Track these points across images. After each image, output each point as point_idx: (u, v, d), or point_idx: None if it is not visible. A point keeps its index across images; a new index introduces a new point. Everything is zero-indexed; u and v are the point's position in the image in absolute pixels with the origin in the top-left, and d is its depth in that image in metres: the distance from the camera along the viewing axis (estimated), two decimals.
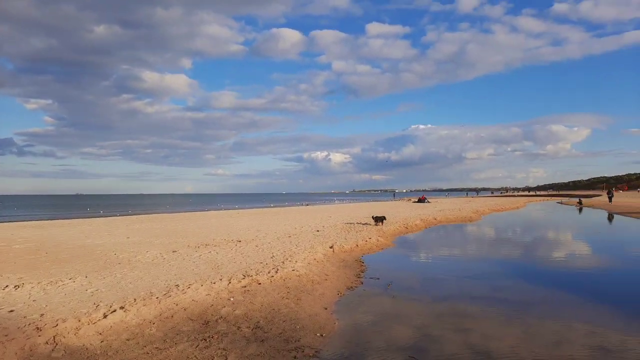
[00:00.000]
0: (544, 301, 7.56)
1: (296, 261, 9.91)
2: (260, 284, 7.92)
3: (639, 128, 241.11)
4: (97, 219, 27.85)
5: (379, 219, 19.58)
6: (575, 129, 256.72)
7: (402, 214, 27.83)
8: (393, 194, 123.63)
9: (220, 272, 8.64)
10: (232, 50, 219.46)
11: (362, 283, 8.90)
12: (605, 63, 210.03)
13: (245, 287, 7.68)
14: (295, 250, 11.64)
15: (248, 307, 6.64)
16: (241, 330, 5.68)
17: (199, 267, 9.34)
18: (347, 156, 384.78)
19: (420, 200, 50.82)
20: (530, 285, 8.97)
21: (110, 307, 6.12)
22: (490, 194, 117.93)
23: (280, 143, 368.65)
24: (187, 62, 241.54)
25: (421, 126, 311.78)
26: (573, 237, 18.51)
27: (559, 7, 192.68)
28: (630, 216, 27.07)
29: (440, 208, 35.49)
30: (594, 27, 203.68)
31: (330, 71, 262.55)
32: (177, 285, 7.47)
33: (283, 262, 9.82)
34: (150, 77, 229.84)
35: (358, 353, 5.22)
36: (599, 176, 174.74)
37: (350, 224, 19.88)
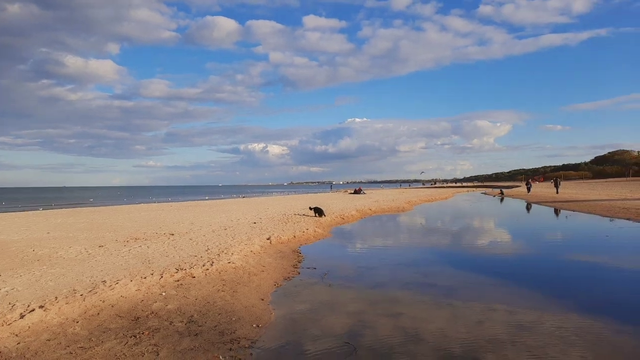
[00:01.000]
0: (468, 285, 8.03)
1: (232, 253, 9.77)
2: (194, 277, 7.72)
3: (553, 124, 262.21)
4: (13, 213, 25.60)
5: (317, 211, 19.69)
6: (498, 124, 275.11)
7: (339, 205, 28.32)
8: (330, 186, 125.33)
9: (151, 267, 8.31)
10: (164, 37, 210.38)
11: (299, 273, 8.96)
12: (525, 63, 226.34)
13: (178, 281, 7.45)
14: (231, 242, 11.46)
15: (181, 301, 6.45)
16: (174, 325, 5.50)
17: (128, 262, 8.91)
18: (285, 148, 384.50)
19: (357, 192, 51.99)
20: (456, 270, 9.49)
21: (28, 306, 5.68)
22: (422, 186, 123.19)
23: (216, 134, 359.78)
24: (114, 48, 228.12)
25: (357, 119, 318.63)
26: (495, 225, 19.85)
27: (484, 9, 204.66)
28: (545, 205, 29.49)
29: (375, 199, 36.53)
30: (515, 29, 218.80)
31: (267, 62, 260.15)
32: (104, 282, 7.09)
33: (219, 254, 9.63)
34: (72, 61, 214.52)
35: (294, 341, 5.26)
36: (518, 168, 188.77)
37: (288, 215, 19.90)
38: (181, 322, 5.64)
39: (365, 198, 39.44)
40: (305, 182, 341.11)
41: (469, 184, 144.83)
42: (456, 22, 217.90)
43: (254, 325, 5.71)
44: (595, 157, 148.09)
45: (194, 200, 45.61)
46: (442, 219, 23.15)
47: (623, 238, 13.69)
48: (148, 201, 44.92)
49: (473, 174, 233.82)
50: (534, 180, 63.54)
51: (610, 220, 18.17)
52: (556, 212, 24.47)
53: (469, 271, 9.35)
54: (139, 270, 7.97)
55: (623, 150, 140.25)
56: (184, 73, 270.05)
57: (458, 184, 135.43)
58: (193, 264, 8.55)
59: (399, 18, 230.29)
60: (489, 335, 5.38)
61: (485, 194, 59.07)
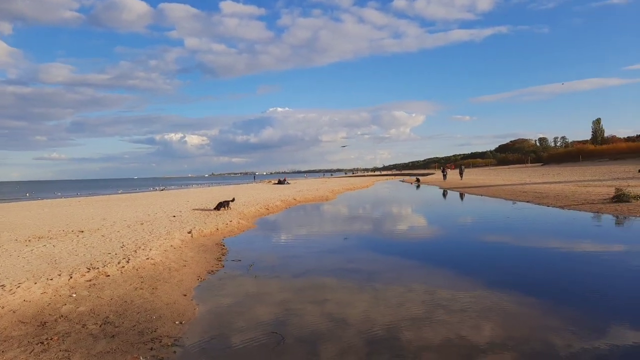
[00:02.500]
0: (390, 268, 8.36)
1: (151, 249, 9.28)
2: (109, 276, 7.23)
3: (462, 115, 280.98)
4: None
5: (222, 205, 18.17)
6: (414, 115, 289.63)
7: (263, 195, 28.09)
8: (254, 177, 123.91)
9: (59, 267, 7.63)
10: (66, 17, 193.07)
11: (223, 266, 8.75)
12: (436, 57, 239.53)
13: (90, 280, 6.93)
14: (149, 237, 10.88)
15: (95, 302, 6.01)
16: (87, 328, 5.11)
17: (31, 263, 8.10)
18: (205, 138, 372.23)
19: (281, 182, 51.91)
20: (379, 255, 9.85)
21: None
22: (344, 175, 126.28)
23: (128, 123, 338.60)
24: (6, 27, 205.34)
25: (279, 109, 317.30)
26: (413, 210, 20.91)
27: (398, 3, 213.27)
28: (457, 190, 31.62)
29: (299, 189, 36.77)
30: (427, 24, 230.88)
31: (183, 48, 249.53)
32: (3, 286, 6.39)
33: (135, 250, 9.11)
34: None
35: (220, 335, 5.12)
36: (432, 157, 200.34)
37: (210, 208, 19.33)
38: (95, 324, 5.25)
39: (289, 188, 39.53)
40: (227, 174, 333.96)
41: (388, 172, 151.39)
42: (373, 14, 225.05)
43: (177, 322, 5.48)
44: (499, 146, 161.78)
45: (106, 194, 42.61)
46: (365, 206, 23.89)
47: (523, 219, 15.09)
48: (54, 196, 41.13)
49: (392, 163, 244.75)
50: (447, 167, 68.18)
51: (513, 203, 19.92)
52: (466, 197, 26.32)
53: (390, 255, 9.74)
54: (45, 272, 7.28)
55: (523, 139, 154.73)
56: (90, 57, 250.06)
57: (376, 173, 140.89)
58: (107, 262, 7.99)
59: (318, 8, 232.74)
60: (409, 315, 5.65)
61: (403, 181, 61.95)
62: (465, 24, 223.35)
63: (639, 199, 15.58)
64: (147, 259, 8.44)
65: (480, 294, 6.47)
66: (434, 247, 10.87)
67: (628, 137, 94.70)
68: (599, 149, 76.43)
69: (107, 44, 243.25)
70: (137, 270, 7.74)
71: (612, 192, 17.07)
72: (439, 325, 5.23)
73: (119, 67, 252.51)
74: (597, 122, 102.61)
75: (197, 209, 18.51)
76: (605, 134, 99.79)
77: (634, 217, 13.01)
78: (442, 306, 5.94)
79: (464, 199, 25.49)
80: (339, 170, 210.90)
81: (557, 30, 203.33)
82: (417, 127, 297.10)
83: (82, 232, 12.15)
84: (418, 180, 53.39)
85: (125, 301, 6.13)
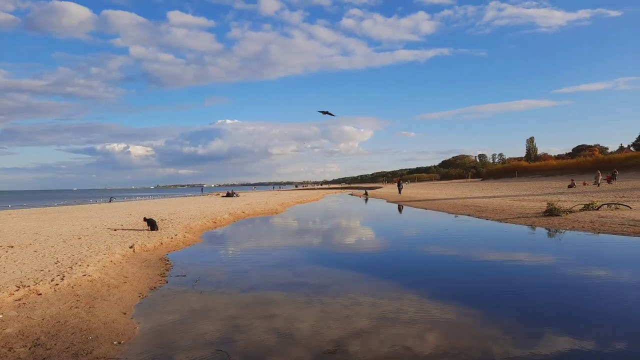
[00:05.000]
0: (337, 281, 8.42)
1: (88, 265, 8.79)
2: (40, 294, 6.76)
3: (407, 131, 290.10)
4: None
5: (150, 223, 15.34)
6: (362, 130, 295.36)
7: (211, 208, 27.47)
8: (201, 189, 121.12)
9: None
10: None
11: (167, 282, 8.44)
12: (383, 75, 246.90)
13: (20, 300, 6.45)
14: (86, 253, 10.31)
15: (24, 323, 5.58)
16: (14, 352, 4.73)
17: None
18: (150, 149, 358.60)
19: (230, 195, 51.02)
20: (327, 268, 9.90)
21: None
22: (294, 188, 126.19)
23: (66, 132, 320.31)
24: None
25: (228, 121, 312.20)
26: (361, 223, 21.24)
27: (346, 22, 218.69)
28: (404, 204, 32.49)
29: (249, 202, 36.31)
30: (374, 43, 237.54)
31: (127, 56, 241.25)
32: None
33: (71, 267, 8.59)
34: None
35: (162, 355, 4.92)
36: (380, 171, 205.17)
37: (152, 219, 18.60)
38: (24, 346, 4.88)
39: (238, 201, 38.93)
40: (173, 185, 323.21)
41: (337, 185, 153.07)
42: (322, 31, 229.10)
43: (115, 343, 5.20)
44: (442, 161, 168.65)
45: (40, 207, 39.92)
46: (314, 219, 23.97)
47: (464, 232, 15.75)
48: None
49: (341, 176, 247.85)
50: (394, 181, 69.64)
51: (455, 217, 20.76)
52: (412, 210, 27.11)
53: (338, 268, 9.82)
54: None
55: (464, 155, 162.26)
56: (25, 62, 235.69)
57: (324, 186, 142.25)
58: (39, 280, 7.47)
59: (268, 22, 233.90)
60: (357, 328, 5.70)
61: (352, 194, 62.89)
62: (409, 45, 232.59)
63: (568, 213, 16.74)
64: (84, 275, 7.98)
65: (424, 305, 6.65)
66: (381, 259, 11.07)
67: (558, 155, 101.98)
68: (532, 166, 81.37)
69: (44, 49, 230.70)
70: (72, 287, 7.29)
71: (544, 206, 18.22)
72: (385, 337, 5.32)
73: (57, 73, 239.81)
74: (531, 140, 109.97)
75: (139, 223, 17.77)
76: (538, 152, 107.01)
77: (563, 230, 13.94)
78: (388, 319, 6.05)
79: (410, 212, 26.23)
80: (289, 183, 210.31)
81: (494, 54, 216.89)
82: (365, 141, 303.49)
83: (12, 247, 11.30)
84: (366, 193, 54.42)
85: (59, 321, 5.75)
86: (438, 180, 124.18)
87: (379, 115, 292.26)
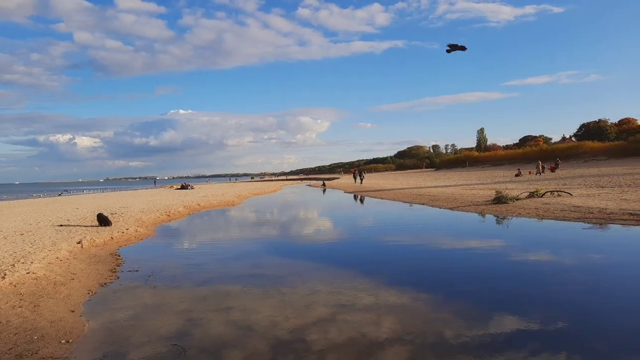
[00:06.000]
0: (296, 272, 8.44)
1: (32, 262, 8.33)
2: None
3: (364, 122, 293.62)
4: None
5: (103, 220, 14.56)
6: (319, 121, 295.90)
7: (164, 201, 26.72)
8: (154, 182, 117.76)
9: None
10: None
11: (118, 278, 8.15)
12: (340, 65, 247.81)
13: None
14: (30, 249, 9.77)
15: None
16: None
17: None
18: (98, 140, 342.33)
19: (184, 187, 49.82)
20: (285, 259, 9.90)
21: None
22: (251, 179, 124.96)
23: (5, 122, 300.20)
24: None
25: (181, 111, 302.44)
26: (319, 214, 21.37)
27: (302, 12, 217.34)
28: (361, 194, 32.95)
29: (204, 194, 35.61)
30: (330, 34, 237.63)
31: (71, 42, 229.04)
32: None
33: (13, 265, 8.11)
34: None
35: (114, 352, 4.75)
36: (337, 162, 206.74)
37: (104, 215, 17.89)
38: None
39: (193, 193, 38.09)
40: (124, 178, 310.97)
41: (295, 176, 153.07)
42: (278, 21, 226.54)
43: (63, 341, 4.97)
44: (398, 152, 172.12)
45: None
46: (272, 210, 23.86)
47: (419, 220, 16.21)
48: None
49: (299, 167, 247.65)
50: (351, 172, 70.44)
51: (410, 205, 21.30)
52: (369, 200, 27.56)
53: (296, 258, 9.85)
54: None
55: (418, 146, 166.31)
56: None
57: (281, 177, 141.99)
58: None
59: (222, 10, 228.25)
60: (315, 317, 5.75)
61: (310, 185, 63.07)
62: (365, 37, 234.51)
63: (515, 200, 17.58)
64: (28, 273, 7.56)
65: (380, 291, 6.80)
66: (338, 249, 11.20)
67: (506, 145, 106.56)
68: (482, 156, 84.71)
69: None
70: (15, 286, 6.89)
71: (493, 194, 19.03)
72: (342, 325, 5.39)
73: None
74: (481, 131, 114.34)
75: (88, 217, 17.01)
76: (488, 142, 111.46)
77: (511, 216, 14.63)
78: (345, 306, 6.14)
79: (367, 202, 26.64)
80: (245, 175, 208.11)
81: (445, 46, 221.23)
82: (322, 132, 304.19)
83: None
84: (324, 184, 54.74)
85: (0, 322, 5.43)
86: (394, 170, 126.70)
87: (336, 106, 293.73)
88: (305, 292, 6.90)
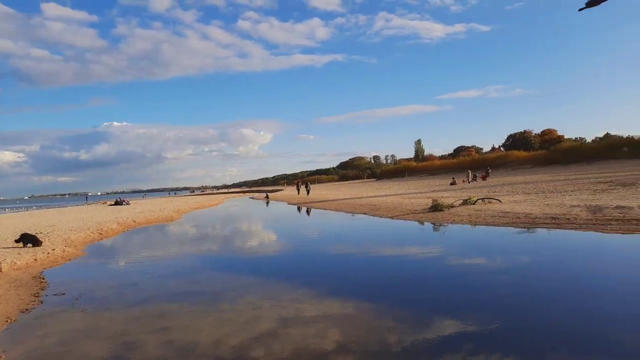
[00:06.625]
0: (236, 287, 8.21)
1: None
2: None
3: (307, 134, 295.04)
4: None
5: (30, 240, 13.41)
6: (262, 133, 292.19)
7: (96, 218, 25.20)
8: (86, 198, 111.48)
9: None
10: None
11: (41, 302, 7.51)
12: (281, 78, 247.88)
13: None
14: None
15: None
16: None
17: None
18: (21, 155, 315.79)
19: (118, 203, 47.33)
20: (225, 274, 9.64)
21: None
22: (191, 193, 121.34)
23: None
24: None
25: (116, 123, 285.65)
26: (262, 227, 21.12)
27: (242, 24, 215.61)
28: (304, 205, 33.00)
29: (141, 210, 34.05)
30: (271, 47, 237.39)
31: None
32: None
33: None
34: None
35: None
36: (281, 173, 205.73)
37: (30, 234, 16.53)
38: None
39: (128, 209, 36.28)
40: (52, 195, 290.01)
41: (238, 189, 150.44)
42: (217, 32, 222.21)
43: None
44: (340, 163, 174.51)
45: None
46: (213, 225, 23.24)
47: (360, 229, 16.47)
48: None
49: (241, 180, 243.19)
50: (294, 184, 70.44)
51: (352, 215, 21.60)
52: (312, 211, 27.64)
53: (236, 274, 9.62)
54: None
55: (360, 157, 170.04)
56: None
57: (223, 190, 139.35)
58: None
59: (159, 21, 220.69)
60: (258, 332, 5.60)
61: (253, 198, 62.28)
62: (306, 50, 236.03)
63: (450, 208, 18.37)
64: None
65: (323, 303, 6.78)
66: (280, 261, 11.09)
67: (442, 155, 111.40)
68: (420, 166, 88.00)
69: None
70: None
71: (430, 202, 19.77)
72: (287, 338, 5.30)
73: None
74: (419, 142, 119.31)
75: (8, 239, 15.65)
76: (425, 153, 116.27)
77: (446, 223, 15.25)
78: (289, 319, 6.05)
79: (310, 213, 26.71)
80: (186, 189, 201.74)
81: (384, 61, 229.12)
82: (265, 144, 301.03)
83: None
84: (267, 196, 54.25)
85: None
86: (337, 181, 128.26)
87: (279, 118, 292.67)
88: (247, 307, 6.73)
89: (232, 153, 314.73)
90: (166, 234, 19.29)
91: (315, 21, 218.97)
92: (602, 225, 11.52)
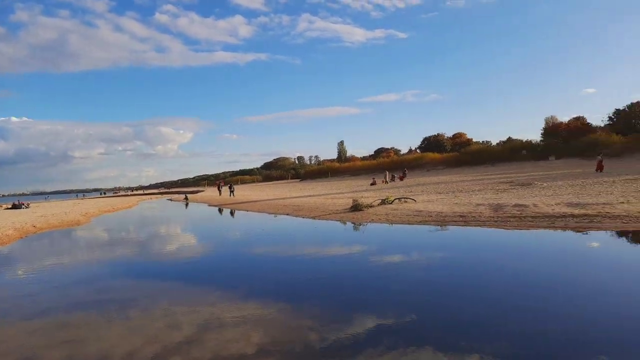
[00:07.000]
0: (147, 294, 7.75)
1: None
2: None
3: (230, 133, 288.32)
4: None
5: None
6: (182, 131, 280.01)
7: None
8: None
9: None
10: None
11: None
12: (202, 75, 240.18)
13: None
14: None
15: None
16: None
17: None
18: None
19: (16, 206, 42.81)
20: (134, 281, 9.09)
21: None
22: (102, 195, 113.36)
23: None
24: None
25: (14, 119, 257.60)
26: (179, 230, 20.25)
27: (160, 17, 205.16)
28: (226, 207, 32.21)
29: (42, 213, 31.07)
30: (191, 42, 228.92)
31: None
32: None
33: None
34: None
35: None
36: (202, 174, 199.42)
37: None
38: None
39: (27, 213, 32.95)
40: None
41: (155, 190, 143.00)
42: (132, 24, 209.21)
43: None
44: (264, 163, 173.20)
45: None
46: (124, 229, 21.86)
47: (281, 231, 16.42)
48: None
49: (159, 181, 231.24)
50: (216, 184, 68.45)
51: (275, 216, 21.47)
52: (234, 213, 27.09)
53: (147, 280, 9.16)
54: None
55: (284, 157, 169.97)
56: None
57: (139, 192, 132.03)
58: None
59: (65, 9, 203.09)
60: (173, 340, 5.32)
61: (171, 200, 59.59)
62: (228, 47, 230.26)
63: (369, 207, 18.97)
64: None
65: (244, 305, 6.63)
66: (196, 265, 10.70)
67: (363, 156, 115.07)
68: (342, 167, 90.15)
69: None
70: None
71: (350, 202, 20.26)
72: (204, 344, 5.09)
73: None
74: (341, 144, 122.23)
75: None
76: (348, 154, 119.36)
77: (366, 222, 15.72)
78: (207, 325, 5.82)
79: (232, 214, 26.14)
80: (96, 190, 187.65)
81: (307, 63, 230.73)
82: (185, 144, 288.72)
83: None
84: (186, 198, 52.22)
85: None
86: (261, 182, 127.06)
87: (199, 117, 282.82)
88: (162, 314, 6.38)
89: (149, 152, 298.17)
90: (72, 240, 17.79)
91: (238, 18, 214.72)
92: (502, 222, 12.57)
